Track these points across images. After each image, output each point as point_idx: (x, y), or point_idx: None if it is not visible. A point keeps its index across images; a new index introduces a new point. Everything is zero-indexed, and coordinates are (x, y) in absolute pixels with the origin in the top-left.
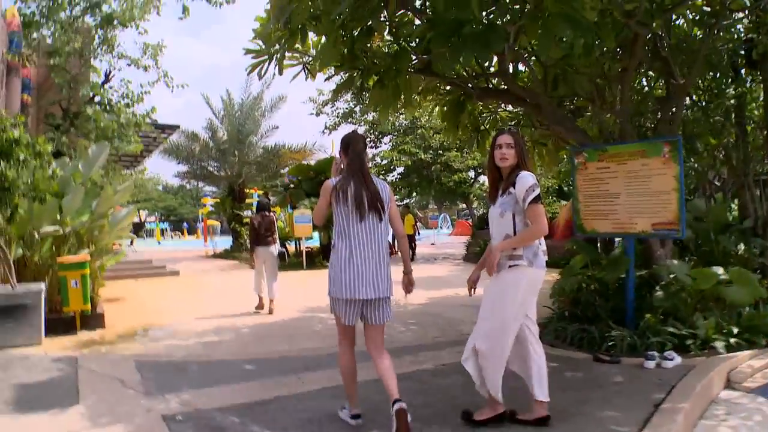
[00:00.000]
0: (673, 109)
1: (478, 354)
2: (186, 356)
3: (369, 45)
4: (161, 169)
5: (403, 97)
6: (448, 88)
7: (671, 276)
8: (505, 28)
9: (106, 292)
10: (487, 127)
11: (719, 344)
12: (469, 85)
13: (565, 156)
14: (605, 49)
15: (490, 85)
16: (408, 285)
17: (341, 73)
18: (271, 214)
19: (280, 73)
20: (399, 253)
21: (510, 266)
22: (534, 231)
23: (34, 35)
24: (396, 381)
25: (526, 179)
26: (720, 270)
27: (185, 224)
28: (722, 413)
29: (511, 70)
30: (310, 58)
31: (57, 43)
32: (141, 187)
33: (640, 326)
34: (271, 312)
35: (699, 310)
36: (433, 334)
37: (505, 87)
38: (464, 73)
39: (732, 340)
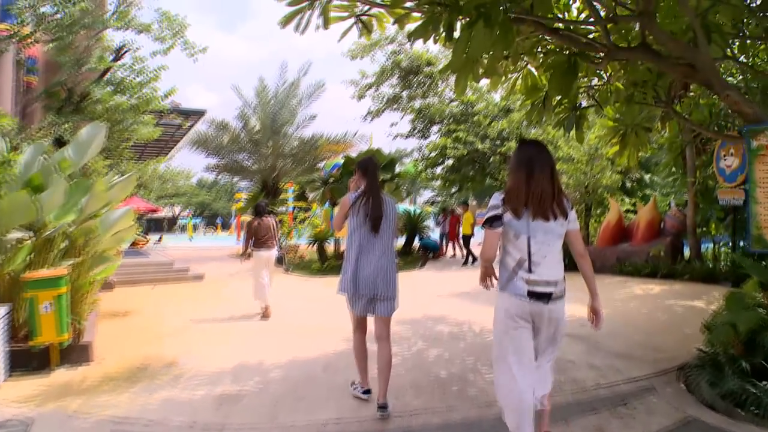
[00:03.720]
0: None
1: None
2: (187, 425)
3: None
4: (193, 163)
5: (486, 62)
6: (548, 47)
7: None
8: None
9: (113, 304)
10: (596, 99)
11: None
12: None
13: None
14: None
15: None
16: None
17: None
18: (270, 217)
19: (326, 26)
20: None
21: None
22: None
23: (41, 9)
24: (387, 383)
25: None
26: None
27: (219, 220)
28: None
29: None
30: (366, 7)
31: (65, 18)
32: (170, 180)
33: None
34: (266, 317)
35: None
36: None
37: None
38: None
39: None
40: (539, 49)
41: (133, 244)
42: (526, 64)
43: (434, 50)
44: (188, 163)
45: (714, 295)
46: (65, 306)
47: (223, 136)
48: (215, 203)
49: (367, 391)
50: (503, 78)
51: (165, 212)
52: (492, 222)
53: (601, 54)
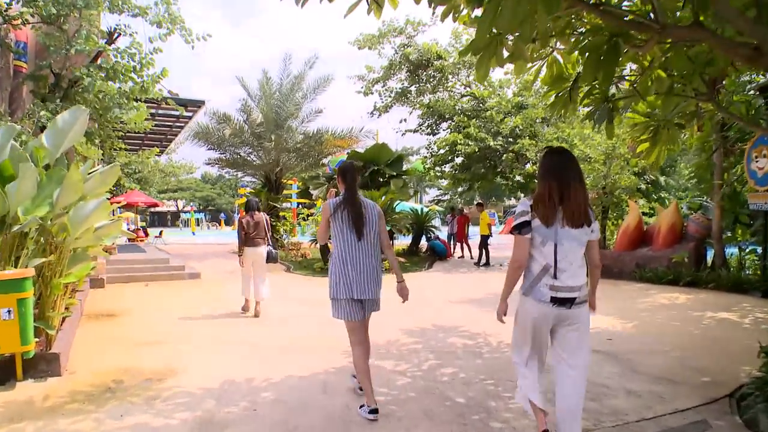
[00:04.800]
0: None
1: None
2: None
3: None
4: (197, 157)
5: (513, 43)
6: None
7: None
8: None
9: (102, 304)
10: (636, 89)
11: None
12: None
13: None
14: None
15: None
16: (402, 291)
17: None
18: (261, 213)
19: None
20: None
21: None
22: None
23: None
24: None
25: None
26: None
27: (223, 215)
28: None
29: None
30: None
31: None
32: (172, 174)
33: None
34: (257, 315)
35: None
36: (631, 404)
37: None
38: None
39: None
40: (573, 30)
41: (131, 238)
42: (552, 51)
43: (444, 43)
44: (192, 157)
45: (745, 307)
46: (30, 312)
47: (225, 128)
48: (220, 198)
49: (374, 411)
50: (528, 64)
51: (169, 206)
52: (522, 228)
53: (643, 36)
